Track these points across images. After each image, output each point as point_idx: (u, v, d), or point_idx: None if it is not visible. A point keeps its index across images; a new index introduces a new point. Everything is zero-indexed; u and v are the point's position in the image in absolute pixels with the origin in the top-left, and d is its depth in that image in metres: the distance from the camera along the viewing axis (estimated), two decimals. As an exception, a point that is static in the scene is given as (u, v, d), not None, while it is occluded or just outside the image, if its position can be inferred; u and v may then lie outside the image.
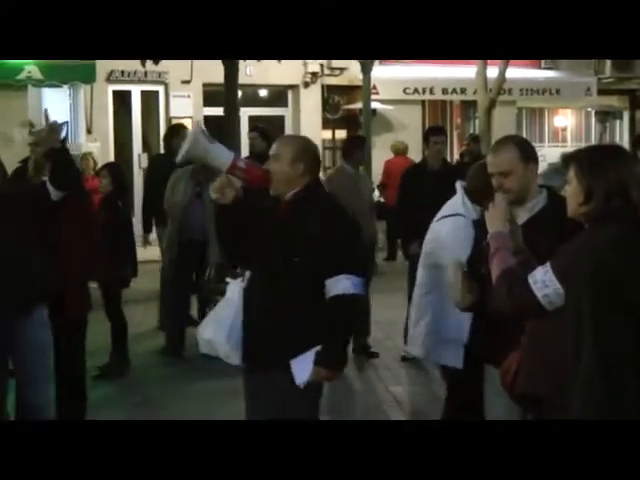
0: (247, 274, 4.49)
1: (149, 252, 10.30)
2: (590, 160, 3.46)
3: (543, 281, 3.40)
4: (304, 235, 4.26)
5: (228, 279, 4.61)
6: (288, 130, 19.11)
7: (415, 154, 15.68)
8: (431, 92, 19.77)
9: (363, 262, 4.49)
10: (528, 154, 4.24)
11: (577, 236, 3.41)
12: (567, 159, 3.59)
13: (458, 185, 5.28)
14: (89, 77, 15.94)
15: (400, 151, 16.04)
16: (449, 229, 5.20)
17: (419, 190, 8.15)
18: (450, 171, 8.31)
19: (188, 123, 17.53)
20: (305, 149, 4.47)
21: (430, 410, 6.74)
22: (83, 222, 6.33)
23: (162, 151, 11.48)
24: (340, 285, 4.24)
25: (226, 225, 4.50)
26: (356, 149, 8.99)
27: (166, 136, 10.39)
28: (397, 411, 7.22)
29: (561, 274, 3.36)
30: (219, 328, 4.44)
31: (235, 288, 4.49)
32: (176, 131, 10.10)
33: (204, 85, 17.56)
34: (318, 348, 4.26)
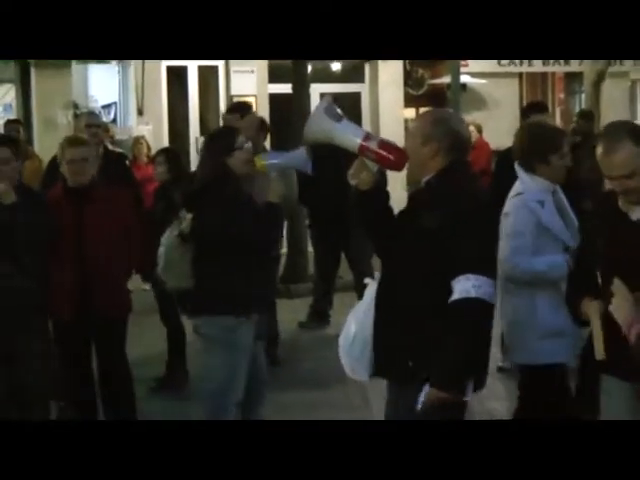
0: (377, 274, 4.40)
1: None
2: None
3: None
4: (423, 227, 4.14)
5: (367, 279, 4.52)
6: (365, 109, 19.09)
7: (511, 135, 15.52)
8: (529, 63, 19.59)
9: (492, 261, 4.26)
10: None
11: None
12: None
13: (515, 164, 5.36)
14: (140, 51, 16.14)
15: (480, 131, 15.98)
16: (509, 212, 5.27)
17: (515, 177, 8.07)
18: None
19: (252, 101, 17.74)
20: (440, 124, 4.31)
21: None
22: (129, 214, 6.49)
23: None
24: (459, 287, 4.06)
25: (367, 214, 4.46)
26: None
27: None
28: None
29: None
30: (343, 338, 4.39)
31: (371, 290, 4.38)
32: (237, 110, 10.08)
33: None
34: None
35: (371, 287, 4.39)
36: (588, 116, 14.03)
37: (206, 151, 5.70)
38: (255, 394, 5.77)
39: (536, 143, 5.27)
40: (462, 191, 4.22)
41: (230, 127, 6.40)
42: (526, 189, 5.27)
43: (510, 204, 5.37)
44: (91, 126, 8.21)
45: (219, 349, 5.56)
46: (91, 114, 9.43)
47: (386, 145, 4.35)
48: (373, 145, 4.32)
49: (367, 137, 4.36)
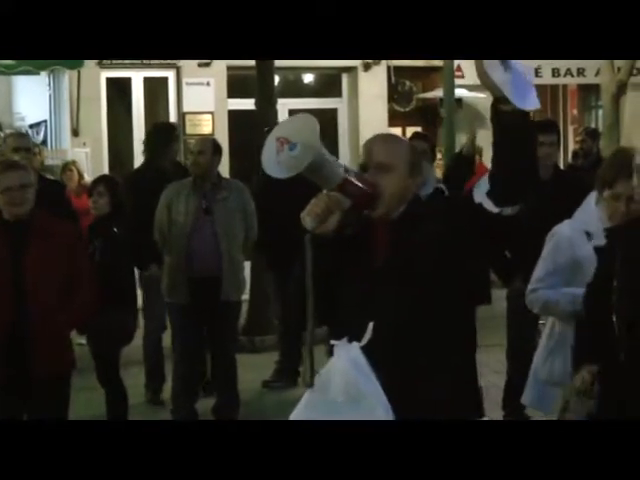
0: (369, 328, 4.28)
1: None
2: None
3: None
4: (438, 235, 4.23)
5: (333, 341, 4.42)
6: (342, 128, 19.16)
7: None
8: (537, 74, 19.74)
9: None
10: None
11: None
12: None
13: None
14: (75, 60, 16.12)
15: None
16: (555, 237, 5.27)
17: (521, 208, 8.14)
18: (562, 182, 8.28)
19: (208, 120, 17.77)
20: (417, 154, 4.48)
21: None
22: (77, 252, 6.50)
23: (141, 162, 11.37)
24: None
25: (325, 267, 4.38)
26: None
27: (151, 139, 10.31)
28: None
29: None
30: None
31: (354, 350, 4.27)
32: (168, 133, 10.16)
33: (229, 69, 17.66)
34: None
35: (352, 347, 4.27)
36: (593, 134, 14.06)
37: None
38: None
39: None
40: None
41: None
42: (583, 221, 5.32)
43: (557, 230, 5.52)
44: (20, 149, 8.11)
45: None
46: (20, 135, 9.41)
47: (363, 179, 4.25)
48: (352, 177, 4.20)
49: (345, 168, 4.23)
